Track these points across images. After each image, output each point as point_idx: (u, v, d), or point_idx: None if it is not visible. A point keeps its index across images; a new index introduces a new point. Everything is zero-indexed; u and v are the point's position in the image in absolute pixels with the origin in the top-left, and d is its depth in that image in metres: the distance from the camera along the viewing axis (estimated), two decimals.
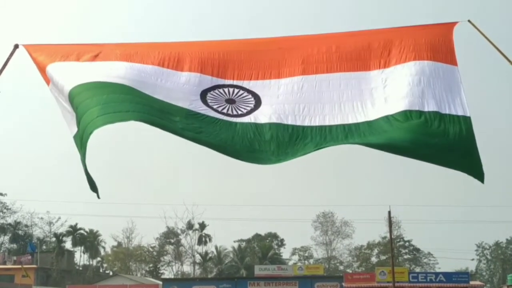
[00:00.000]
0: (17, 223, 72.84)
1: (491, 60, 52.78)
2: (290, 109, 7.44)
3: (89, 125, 6.63)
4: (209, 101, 7.43)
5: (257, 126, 7.21)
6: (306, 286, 45.80)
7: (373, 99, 7.40)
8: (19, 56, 8.68)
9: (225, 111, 7.31)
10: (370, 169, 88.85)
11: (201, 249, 71.26)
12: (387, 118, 7.06)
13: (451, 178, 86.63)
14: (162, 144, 75.02)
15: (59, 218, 72.16)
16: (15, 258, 63.15)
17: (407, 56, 7.72)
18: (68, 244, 71.96)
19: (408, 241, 72.23)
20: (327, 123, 7.27)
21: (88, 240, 72.25)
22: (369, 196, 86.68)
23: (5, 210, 72.26)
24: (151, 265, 72.99)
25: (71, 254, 71.84)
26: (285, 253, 75.68)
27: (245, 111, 7.36)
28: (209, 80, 7.71)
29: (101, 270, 73.62)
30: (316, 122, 7.35)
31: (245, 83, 7.73)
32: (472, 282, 48.44)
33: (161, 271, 72.73)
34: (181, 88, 7.61)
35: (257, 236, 74.55)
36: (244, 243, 73.65)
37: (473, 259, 77.04)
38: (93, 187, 6.58)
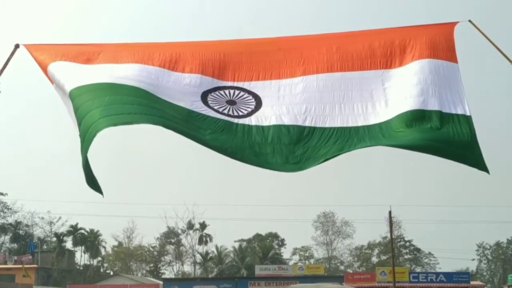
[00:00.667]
0: (18, 223, 72.89)
1: (492, 60, 52.80)
2: (291, 109, 7.45)
3: (91, 127, 6.61)
4: (210, 102, 7.44)
5: (257, 129, 7.22)
6: None
7: (373, 102, 7.41)
8: (20, 56, 8.67)
9: (226, 111, 7.32)
10: (371, 169, 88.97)
11: (201, 249, 71.36)
12: (386, 124, 7.09)
13: (452, 178, 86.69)
14: (162, 143, 75.00)
15: (60, 218, 72.26)
16: (15, 258, 63.23)
17: (408, 57, 7.73)
18: (68, 244, 72.10)
19: (409, 241, 72.23)
20: (327, 125, 7.28)
21: (89, 240, 72.29)
22: (370, 196, 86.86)
23: (5, 210, 72.33)
24: (151, 265, 73.06)
25: (71, 254, 71.92)
26: (285, 253, 75.81)
27: (245, 112, 7.37)
28: (210, 82, 7.72)
29: (101, 270, 73.61)
30: (318, 123, 7.35)
31: (246, 84, 7.74)
32: (472, 282, 48.47)
33: (162, 271, 72.85)
34: (182, 89, 7.62)
35: (257, 236, 74.55)
36: (244, 243, 73.70)
37: (473, 259, 77.19)
38: (96, 187, 6.58)
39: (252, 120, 7.24)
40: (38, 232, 73.29)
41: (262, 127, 7.18)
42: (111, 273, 67.34)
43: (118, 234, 71.83)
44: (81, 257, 74.55)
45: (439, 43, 7.78)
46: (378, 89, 7.56)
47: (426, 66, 7.59)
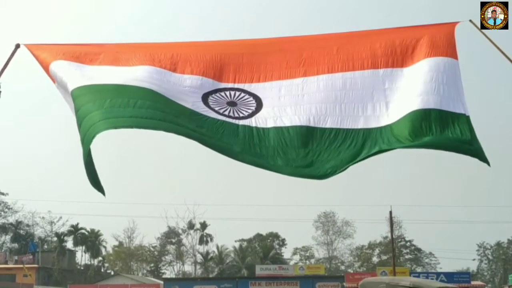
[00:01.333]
0: (19, 223, 72.95)
1: (492, 60, 52.65)
2: (291, 110, 7.45)
3: (90, 128, 6.62)
4: (210, 103, 7.45)
5: (258, 130, 7.22)
6: (307, 286, 45.80)
7: (374, 103, 7.41)
8: (20, 55, 8.65)
9: (226, 113, 7.32)
10: (371, 169, 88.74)
11: (202, 248, 71.31)
12: (387, 129, 7.09)
13: (452, 178, 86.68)
14: (163, 144, 75.06)
15: (61, 217, 72.27)
16: (16, 257, 63.29)
17: (410, 56, 7.73)
18: (69, 244, 72.18)
19: (410, 241, 72.22)
20: (328, 125, 7.28)
21: (90, 240, 72.32)
22: (371, 196, 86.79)
23: (6, 210, 72.39)
24: (152, 264, 73.08)
25: (72, 253, 71.98)
26: (286, 253, 75.81)
27: (246, 113, 7.37)
28: (211, 83, 7.73)
29: (102, 270, 73.64)
30: (319, 123, 7.35)
31: (246, 86, 7.75)
32: (473, 282, 48.53)
33: (163, 271, 72.87)
34: (183, 90, 7.62)
35: (258, 236, 74.52)
36: (245, 243, 73.68)
37: (474, 259, 77.20)
38: (99, 187, 6.59)
39: (253, 122, 7.25)
40: (38, 232, 73.45)
41: (263, 129, 7.19)
42: (112, 273, 67.40)
43: (119, 234, 71.94)
44: (82, 257, 74.66)
45: (440, 41, 7.79)
46: (379, 89, 7.57)
47: (428, 65, 7.59)
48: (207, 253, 71.00)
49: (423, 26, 8.65)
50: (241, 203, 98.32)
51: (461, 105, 7.12)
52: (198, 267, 70.77)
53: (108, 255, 74.44)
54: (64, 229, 72.00)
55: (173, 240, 72.57)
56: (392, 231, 47.14)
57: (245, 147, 7.26)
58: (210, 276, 64.40)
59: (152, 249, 73.35)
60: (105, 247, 74.49)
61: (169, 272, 72.11)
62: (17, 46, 8.62)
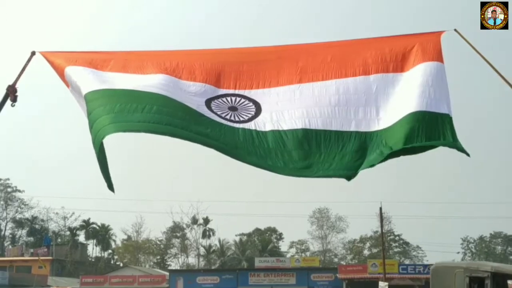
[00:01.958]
0: (34, 218, 72.97)
1: (477, 68, 52.61)
2: (288, 115, 7.49)
3: (100, 131, 6.67)
4: (213, 108, 7.50)
5: (257, 133, 7.27)
6: (303, 277, 45.78)
7: (364, 107, 7.45)
8: (35, 62, 8.66)
9: (228, 117, 7.37)
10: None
11: (205, 242, 71.31)
12: (376, 134, 7.12)
13: (440, 176, 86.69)
14: (169, 145, 75.06)
15: (73, 213, 72.27)
16: (32, 250, 63.31)
17: (399, 63, 7.75)
18: (81, 237, 72.27)
19: (398, 235, 72.23)
20: (320, 127, 7.31)
21: (100, 234, 72.39)
22: (362, 193, 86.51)
23: (22, 206, 72.44)
24: (158, 257, 73.04)
25: (84, 246, 71.96)
26: (283, 246, 75.69)
27: (246, 118, 7.42)
28: (213, 90, 7.78)
29: (112, 262, 73.63)
30: (312, 125, 7.38)
31: (246, 92, 7.81)
32: None
33: (168, 263, 72.82)
34: (188, 95, 7.67)
35: (257, 230, 74.54)
36: (245, 237, 73.67)
37: (458, 252, 77.18)
38: (109, 184, 6.64)
39: (252, 125, 7.29)
40: (53, 226, 73.44)
41: (262, 132, 7.23)
42: (121, 264, 67.37)
43: (127, 229, 72.01)
44: (93, 250, 74.71)
45: (428, 48, 7.81)
46: (369, 94, 7.59)
47: (418, 70, 7.61)
48: (210, 246, 70.98)
49: (413, 35, 8.67)
50: (241, 200, 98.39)
51: (446, 106, 7.16)
52: (201, 259, 70.73)
53: (117, 248, 74.42)
54: (77, 224, 72.16)
55: (178, 234, 72.51)
56: (382, 226, 47.08)
57: (245, 148, 7.30)
58: (213, 267, 64.33)
59: (158, 242, 73.35)
60: (114, 240, 74.65)
61: (174, 264, 72.14)
62: (33, 53, 8.66)
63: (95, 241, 73.59)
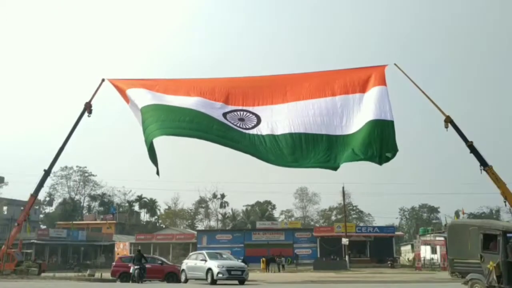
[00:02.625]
0: (103, 194, 72.92)
1: (414, 98, 51.89)
2: (281, 125, 7.61)
3: (150, 134, 6.81)
4: (228, 118, 7.62)
5: (258, 137, 7.36)
6: (289, 235, 45.88)
7: (331, 117, 7.52)
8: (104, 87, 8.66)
9: (238, 125, 7.51)
10: None
11: (222, 211, 71.36)
12: (342, 138, 7.17)
13: (385, 165, 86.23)
14: (197, 144, 74.83)
15: (130, 190, 72.30)
16: (102, 216, 63.46)
17: (356, 88, 7.82)
18: (136, 207, 72.16)
19: (356, 206, 72.29)
20: (302, 131, 7.38)
21: (149, 205, 72.40)
22: (331, 176, 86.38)
23: (95, 186, 72.54)
24: (189, 221, 73.01)
25: (138, 214, 72.07)
26: (276, 213, 75.60)
27: (250, 126, 7.57)
28: (228, 107, 7.97)
29: (157, 225, 73.63)
30: (296, 130, 7.44)
31: (250, 108, 7.96)
32: (396, 233, 48.44)
33: (196, 225, 72.72)
34: (212, 109, 7.78)
35: (258, 203, 74.42)
36: (249, 207, 73.61)
37: (397, 218, 77.25)
38: (157, 171, 6.81)
39: (255, 131, 7.40)
40: (116, 200, 73.23)
41: (262, 135, 7.33)
42: (163, 226, 67.35)
43: (168, 201, 72.19)
44: (144, 216, 74.70)
45: (374, 76, 7.86)
46: (335, 109, 7.66)
47: (371, 92, 7.65)
48: (225, 214, 71.02)
49: (367, 67, 8.76)
50: (247, 181, 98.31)
51: (389, 115, 7.20)
52: (219, 222, 70.73)
53: (161, 215, 74.45)
54: (133, 198, 72.13)
55: (203, 205, 72.46)
56: (344, 199, 47.16)
57: (250, 146, 7.37)
58: (227, 228, 64.26)
59: (189, 211, 73.34)
60: (159, 209, 74.61)
61: (200, 226, 71.92)
62: (103, 80, 8.74)
63: (145, 210, 73.57)
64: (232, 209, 70.87)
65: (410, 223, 79.17)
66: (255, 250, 43.21)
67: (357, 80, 7.88)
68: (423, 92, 14.14)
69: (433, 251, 39.87)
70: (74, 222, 57.17)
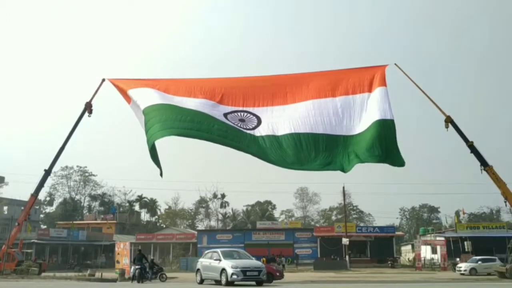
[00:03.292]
0: (104, 194, 72.95)
1: (414, 97, 51.94)
2: (281, 126, 7.62)
3: (153, 135, 6.82)
4: (229, 118, 7.63)
5: (259, 137, 7.38)
6: (289, 234, 45.89)
7: (331, 117, 7.53)
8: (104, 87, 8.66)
9: (238, 125, 7.51)
10: None
11: (222, 211, 71.32)
12: (343, 138, 7.18)
13: (385, 167, 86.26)
14: (199, 144, 74.85)
15: (131, 190, 72.28)
16: (102, 216, 63.46)
17: (354, 89, 7.83)
18: (136, 207, 72.14)
19: (356, 206, 72.25)
20: (301, 131, 7.39)
21: (149, 205, 72.39)
22: (332, 176, 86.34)
23: (96, 186, 72.57)
24: (190, 221, 72.98)
25: (138, 214, 72.03)
26: (276, 213, 75.59)
27: (251, 126, 7.58)
28: (228, 107, 7.98)
29: (157, 224, 73.61)
30: (296, 130, 7.44)
31: (250, 109, 7.97)
32: (397, 233, 48.45)
33: (196, 225, 72.71)
34: (212, 110, 7.79)
35: (258, 203, 74.43)
36: (250, 207, 73.59)
37: (397, 218, 77.21)
38: (161, 172, 6.81)
39: (256, 132, 7.41)
40: (117, 199, 73.27)
41: (261, 136, 7.34)
42: (164, 226, 67.33)
43: (168, 201, 72.12)
44: (144, 216, 74.66)
45: (376, 77, 7.86)
46: (335, 109, 7.65)
47: (373, 93, 7.65)
48: (225, 213, 70.98)
49: (368, 67, 8.76)
50: (247, 181, 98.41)
51: (389, 114, 7.22)
52: (219, 222, 70.72)
53: (161, 215, 74.42)
54: (133, 198, 72.12)
55: (203, 205, 72.44)
56: (344, 199, 47.13)
57: (250, 145, 7.37)
58: (227, 228, 64.27)
59: (189, 211, 73.32)
60: (159, 209, 74.58)
61: (200, 226, 71.93)
62: (103, 80, 8.75)
63: (146, 210, 73.58)
64: (232, 209, 70.92)
65: (410, 223, 79.14)
66: (255, 250, 43.01)
67: (360, 80, 7.90)
68: (423, 92, 14.17)
69: (434, 251, 39.83)
70: (74, 222, 57.15)
